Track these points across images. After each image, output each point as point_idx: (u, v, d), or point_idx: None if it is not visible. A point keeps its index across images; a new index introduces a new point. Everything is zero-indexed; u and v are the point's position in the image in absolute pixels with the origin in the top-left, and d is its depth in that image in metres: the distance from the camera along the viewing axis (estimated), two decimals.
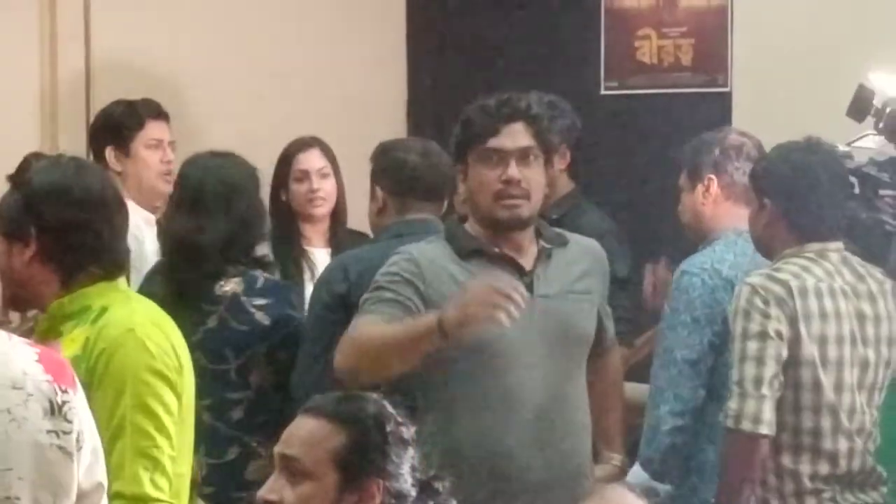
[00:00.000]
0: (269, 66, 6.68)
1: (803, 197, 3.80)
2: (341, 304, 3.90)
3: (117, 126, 4.76)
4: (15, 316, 4.20)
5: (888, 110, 4.16)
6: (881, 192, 4.08)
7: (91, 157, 4.94)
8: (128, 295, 3.19)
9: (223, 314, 3.85)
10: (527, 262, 3.70)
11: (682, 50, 6.56)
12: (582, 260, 3.82)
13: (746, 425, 3.63)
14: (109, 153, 4.73)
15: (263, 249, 4.13)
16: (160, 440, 2.88)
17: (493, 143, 3.65)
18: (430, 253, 3.69)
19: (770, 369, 3.61)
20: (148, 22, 6.33)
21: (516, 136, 3.66)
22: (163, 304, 3.79)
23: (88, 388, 2.35)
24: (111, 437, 2.68)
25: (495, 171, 3.63)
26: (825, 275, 3.74)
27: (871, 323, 3.77)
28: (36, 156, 3.10)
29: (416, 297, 3.60)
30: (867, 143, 4.23)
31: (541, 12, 6.86)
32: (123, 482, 2.70)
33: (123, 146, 4.74)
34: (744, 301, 3.67)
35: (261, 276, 3.91)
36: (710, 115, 6.16)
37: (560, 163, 4.73)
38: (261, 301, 3.87)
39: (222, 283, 3.87)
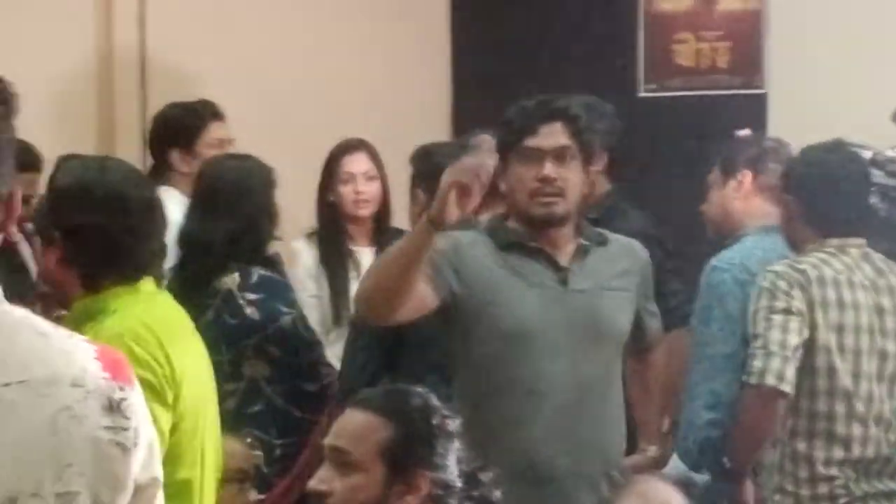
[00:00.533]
0: (316, 67, 6.80)
1: (820, 192, 3.90)
2: None
3: (181, 128, 4.78)
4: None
5: None
6: None
7: (148, 157, 4.98)
8: (142, 297, 3.12)
9: (219, 307, 3.95)
10: (563, 257, 3.80)
11: (719, 53, 6.64)
12: (622, 259, 3.90)
13: (770, 380, 3.70)
14: (175, 155, 4.75)
15: (275, 247, 4.19)
16: None
17: (531, 142, 3.74)
18: (469, 239, 3.79)
19: (794, 338, 3.71)
20: (201, 27, 6.46)
21: (554, 135, 3.75)
22: (173, 297, 3.95)
23: None
24: None
25: (532, 169, 3.72)
26: (844, 268, 3.83)
27: (891, 316, 3.83)
28: (67, 158, 3.12)
29: (450, 271, 3.67)
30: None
31: (580, 15, 6.95)
32: None
33: (189, 148, 4.75)
34: (768, 283, 3.80)
35: (256, 272, 3.99)
36: (746, 116, 6.22)
37: (598, 164, 4.77)
38: (253, 296, 3.95)
39: (222, 277, 3.96)
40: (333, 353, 4.55)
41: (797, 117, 5.68)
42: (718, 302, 4.13)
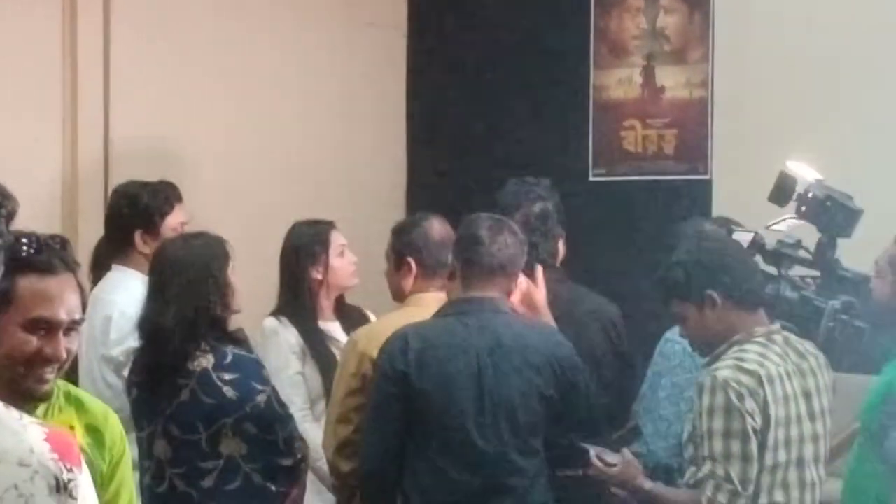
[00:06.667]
0: (278, 152, 6.96)
1: (738, 272, 3.81)
2: (402, 378, 4.04)
3: (147, 211, 4.77)
4: None
5: (810, 195, 4.30)
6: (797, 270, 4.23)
7: (108, 240, 4.95)
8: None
9: (194, 388, 3.97)
10: None
11: (666, 139, 6.84)
12: None
13: None
14: (139, 236, 4.75)
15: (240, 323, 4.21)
16: None
17: None
18: None
19: (754, 469, 3.63)
20: (164, 109, 6.60)
21: None
22: (141, 383, 4.06)
23: None
24: None
25: None
26: (779, 359, 3.76)
27: (815, 398, 3.80)
28: None
29: None
30: (781, 227, 4.35)
31: (533, 103, 7.17)
32: None
33: (153, 230, 4.76)
34: (721, 398, 3.63)
35: (230, 352, 4.01)
36: (692, 200, 6.45)
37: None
38: (228, 376, 3.97)
39: (195, 359, 3.97)
40: (320, 428, 4.63)
41: (741, 203, 5.71)
42: (668, 371, 4.31)
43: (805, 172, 4.43)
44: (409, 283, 4.44)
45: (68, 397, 3.02)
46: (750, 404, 3.62)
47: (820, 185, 4.36)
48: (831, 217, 4.31)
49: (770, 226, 4.30)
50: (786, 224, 4.27)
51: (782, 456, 3.70)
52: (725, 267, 3.82)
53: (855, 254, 4.44)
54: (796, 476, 3.73)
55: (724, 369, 3.68)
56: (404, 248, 4.47)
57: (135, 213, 4.76)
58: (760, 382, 3.66)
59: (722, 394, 3.63)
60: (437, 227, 4.46)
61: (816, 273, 4.32)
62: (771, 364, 3.72)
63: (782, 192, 4.37)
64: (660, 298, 3.84)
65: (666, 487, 3.86)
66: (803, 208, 4.33)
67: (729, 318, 3.76)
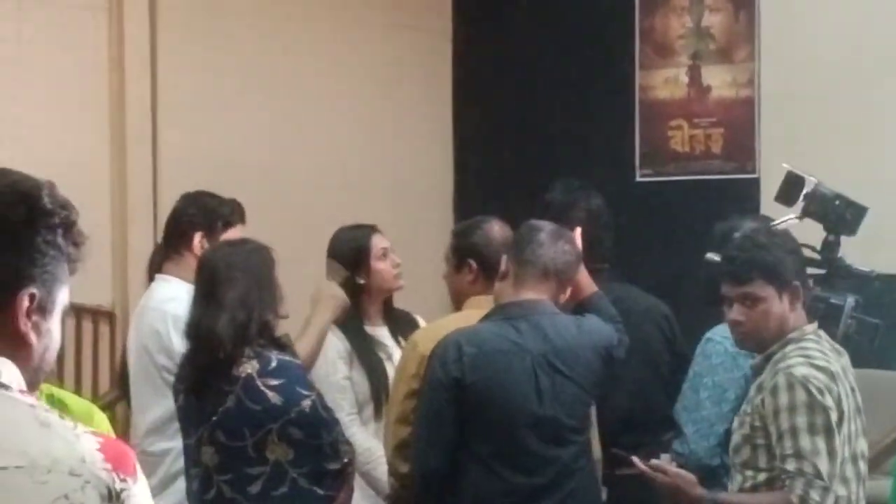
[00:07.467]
0: (325, 158, 7.01)
1: (803, 273, 3.84)
2: (455, 384, 4.03)
3: (214, 213, 4.78)
4: None
5: (819, 193, 4.35)
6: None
7: (165, 241, 5.01)
8: None
9: (239, 394, 3.97)
10: None
11: (713, 139, 6.83)
12: None
13: None
14: (198, 238, 4.72)
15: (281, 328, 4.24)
16: None
17: None
18: None
19: (838, 461, 3.60)
20: (210, 117, 6.67)
21: None
22: (188, 389, 4.06)
23: None
24: None
25: None
26: (833, 356, 3.75)
27: (856, 393, 3.77)
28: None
29: None
30: (783, 227, 4.26)
31: (580, 104, 7.17)
32: None
33: (213, 235, 4.72)
34: (802, 395, 3.57)
35: (274, 358, 4.01)
36: (739, 200, 6.40)
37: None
38: (273, 381, 3.97)
39: (240, 365, 3.98)
40: (369, 431, 4.67)
41: None
42: (709, 371, 4.29)
43: (804, 174, 4.46)
44: (469, 285, 4.45)
45: (52, 399, 3.03)
46: (829, 399, 3.60)
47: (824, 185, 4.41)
48: (840, 215, 4.34)
49: (773, 226, 4.25)
50: (787, 224, 4.26)
51: (847, 451, 3.68)
52: (804, 264, 3.85)
53: (856, 251, 4.49)
54: (853, 470, 3.71)
55: (798, 366, 3.63)
56: (465, 249, 4.47)
57: (201, 214, 4.78)
58: (833, 378, 3.65)
59: (802, 390, 3.59)
60: (498, 230, 4.46)
61: (820, 271, 4.33)
62: (832, 360, 3.71)
63: (790, 191, 4.41)
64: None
65: (738, 494, 3.75)
66: (812, 207, 4.35)
67: (791, 314, 3.74)
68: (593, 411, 4.37)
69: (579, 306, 4.29)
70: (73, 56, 6.37)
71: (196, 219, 4.75)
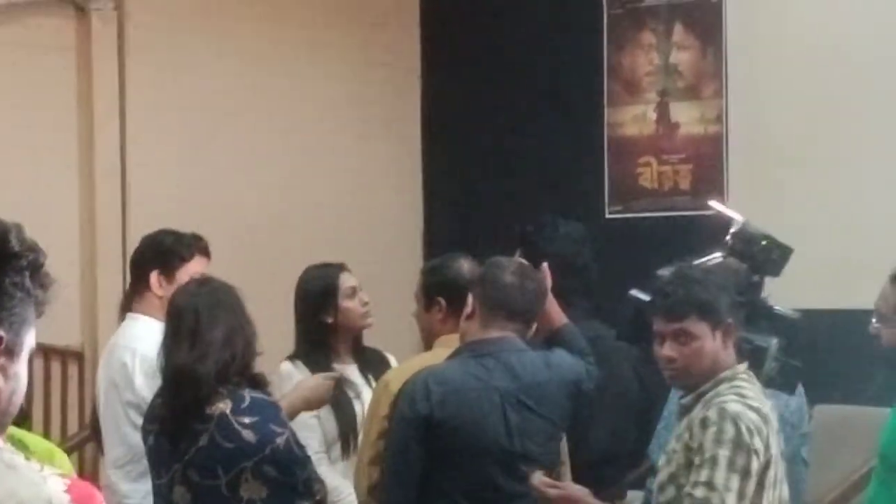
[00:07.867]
0: (294, 196, 7.00)
1: (736, 311, 3.78)
2: (423, 422, 4.03)
3: (168, 253, 4.79)
4: None
5: (745, 233, 4.25)
6: None
7: (130, 284, 5.05)
8: None
9: (213, 432, 3.95)
10: None
11: (681, 175, 6.85)
12: None
13: None
14: (154, 276, 4.75)
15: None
16: None
17: None
18: None
19: None
20: (179, 154, 6.67)
21: None
22: (160, 430, 4.03)
23: None
24: None
25: None
26: (763, 397, 3.71)
27: (779, 438, 3.71)
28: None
29: None
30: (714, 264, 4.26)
31: (549, 141, 7.19)
32: None
33: (170, 273, 4.74)
34: (731, 431, 3.55)
35: (247, 395, 4.00)
36: (708, 235, 6.40)
37: None
38: (247, 419, 3.96)
39: (213, 403, 3.96)
40: (337, 470, 4.64)
41: None
42: None
43: (732, 213, 4.41)
44: (440, 323, 4.45)
45: (12, 440, 2.96)
46: (757, 442, 3.56)
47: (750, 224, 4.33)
48: (767, 255, 4.26)
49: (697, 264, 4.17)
50: (712, 263, 4.20)
51: (773, 494, 3.64)
52: (738, 302, 3.79)
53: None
54: None
55: (731, 403, 3.59)
56: (435, 287, 4.47)
57: (155, 253, 4.81)
58: (765, 420, 3.61)
59: (732, 426, 3.55)
60: (468, 267, 4.47)
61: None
62: (763, 400, 3.68)
63: (717, 230, 4.35)
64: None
65: None
66: (738, 246, 4.27)
67: (723, 353, 3.70)
68: (564, 447, 4.37)
69: (550, 338, 4.29)
70: (42, 96, 6.37)
71: (151, 258, 4.78)
